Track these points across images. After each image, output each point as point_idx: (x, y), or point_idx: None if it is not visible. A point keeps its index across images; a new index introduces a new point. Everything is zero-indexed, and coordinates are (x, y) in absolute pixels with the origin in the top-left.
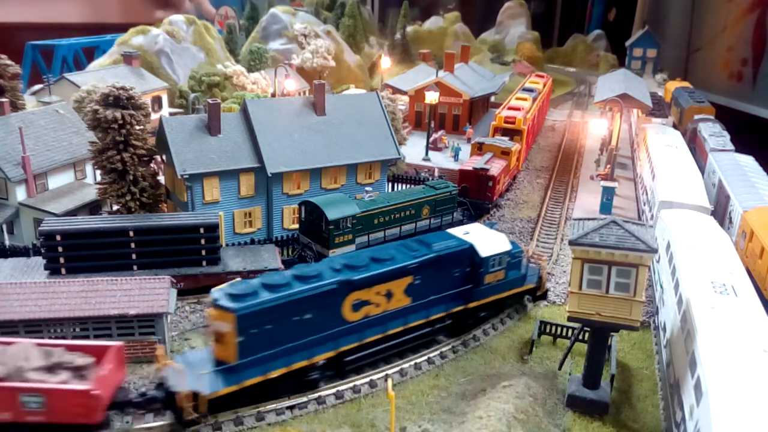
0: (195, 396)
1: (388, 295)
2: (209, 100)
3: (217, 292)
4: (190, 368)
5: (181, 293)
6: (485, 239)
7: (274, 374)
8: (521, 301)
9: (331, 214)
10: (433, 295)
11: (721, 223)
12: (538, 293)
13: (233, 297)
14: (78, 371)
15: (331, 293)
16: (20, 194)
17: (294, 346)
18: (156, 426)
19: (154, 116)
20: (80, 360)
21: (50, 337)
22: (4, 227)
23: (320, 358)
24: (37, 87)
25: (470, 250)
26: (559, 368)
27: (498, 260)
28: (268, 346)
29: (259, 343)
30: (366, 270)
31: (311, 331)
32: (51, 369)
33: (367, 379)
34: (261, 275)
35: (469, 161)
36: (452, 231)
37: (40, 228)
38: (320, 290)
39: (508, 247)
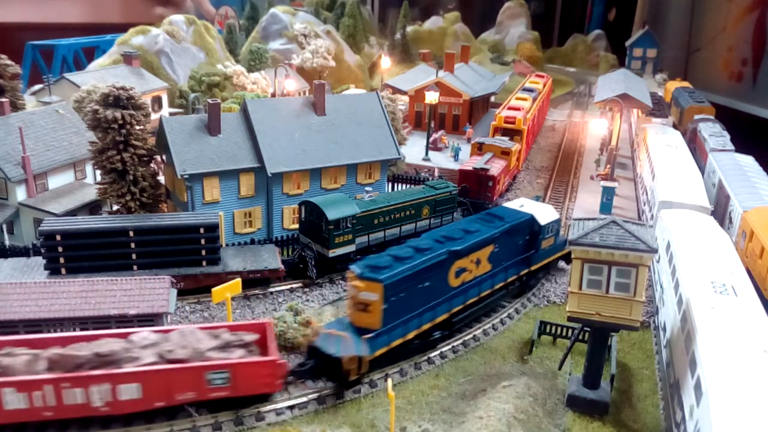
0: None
1: (477, 263)
2: (209, 100)
3: (357, 267)
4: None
5: (181, 293)
6: (539, 210)
7: (411, 336)
8: (556, 265)
9: (331, 214)
10: (507, 261)
11: (721, 223)
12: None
13: (375, 269)
14: (247, 347)
15: (442, 262)
16: (20, 194)
17: (421, 310)
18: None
19: (154, 116)
20: (248, 337)
21: None
22: (4, 227)
23: (440, 320)
24: (37, 87)
25: (532, 220)
26: (559, 368)
27: (550, 228)
28: (403, 311)
29: (397, 309)
30: (464, 241)
31: (431, 296)
32: (224, 347)
33: (367, 379)
34: (387, 249)
35: (469, 161)
36: (508, 205)
37: (40, 228)
38: (436, 260)
39: (557, 215)
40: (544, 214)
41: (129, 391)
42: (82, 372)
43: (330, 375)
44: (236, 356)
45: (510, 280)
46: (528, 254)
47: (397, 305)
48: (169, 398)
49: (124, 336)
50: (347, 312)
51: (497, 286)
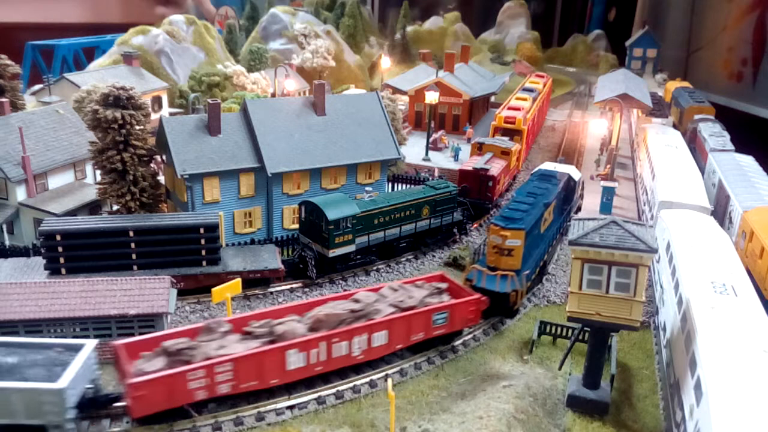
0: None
1: (550, 213)
2: (209, 100)
3: (498, 221)
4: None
5: (181, 293)
6: (569, 170)
7: (535, 273)
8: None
9: (331, 214)
10: (559, 212)
11: (721, 223)
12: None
13: (514, 221)
14: (443, 293)
15: (542, 213)
16: (20, 194)
17: (536, 251)
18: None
19: (154, 116)
20: (442, 285)
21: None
22: (4, 227)
23: (544, 260)
24: (37, 87)
25: (569, 177)
26: (559, 368)
27: (582, 184)
28: (528, 254)
29: (527, 251)
30: (549, 195)
31: (537, 241)
32: (433, 295)
33: (367, 379)
34: (507, 203)
35: (469, 161)
36: (542, 167)
37: (40, 228)
38: (542, 211)
39: (581, 174)
40: (574, 172)
41: (380, 338)
42: (348, 326)
43: (495, 310)
44: (446, 300)
45: (562, 229)
46: (566, 206)
47: (527, 248)
48: (406, 340)
49: (348, 296)
50: (488, 258)
51: (558, 235)
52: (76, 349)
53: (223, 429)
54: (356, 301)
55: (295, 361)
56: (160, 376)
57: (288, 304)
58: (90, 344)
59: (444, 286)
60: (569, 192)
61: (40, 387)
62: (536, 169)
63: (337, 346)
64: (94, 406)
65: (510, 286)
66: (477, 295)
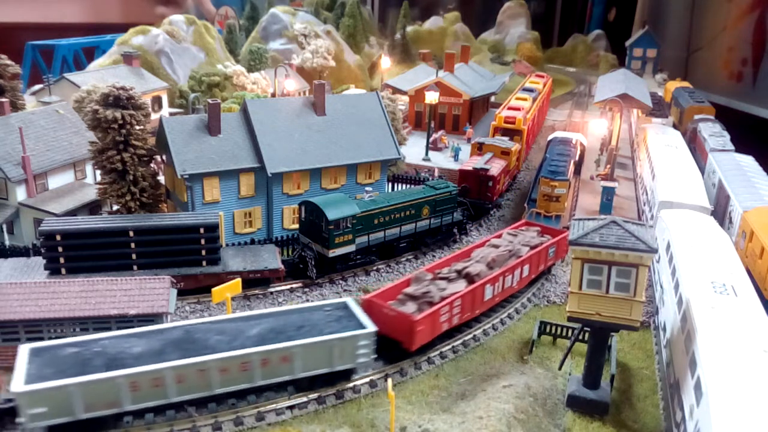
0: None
1: (574, 167)
2: (209, 100)
3: (547, 174)
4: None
5: (181, 293)
6: (578, 136)
7: None
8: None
9: (331, 214)
10: (578, 169)
11: (721, 223)
12: None
13: (558, 173)
14: (540, 234)
15: (571, 167)
16: (20, 194)
17: None
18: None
19: (154, 116)
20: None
21: (50, 338)
22: (4, 227)
23: None
24: (37, 87)
25: (579, 141)
26: (559, 368)
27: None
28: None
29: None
30: (572, 155)
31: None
32: (537, 235)
33: (367, 379)
34: (546, 162)
35: (469, 161)
36: (557, 134)
37: (40, 228)
38: (570, 167)
39: (586, 140)
40: (582, 138)
41: (525, 271)
42: (512, 263)
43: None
44: (545, 239)
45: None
46: (581, 161)
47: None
48: (537, 270)
49: (485, 243)
50: (539, 204)
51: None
52: (343, 306)
53: (223, 429)
54: (495, 246)
55: (488, 293)
56: (429, 312)
57: (455, 252)
58: (350, 300)
59: (539, 229)
60: (582, 152)
61: (358, 333)
62: (552, 136)
63: (507, 279)
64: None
65: (559, 223)
66: (567, 232)
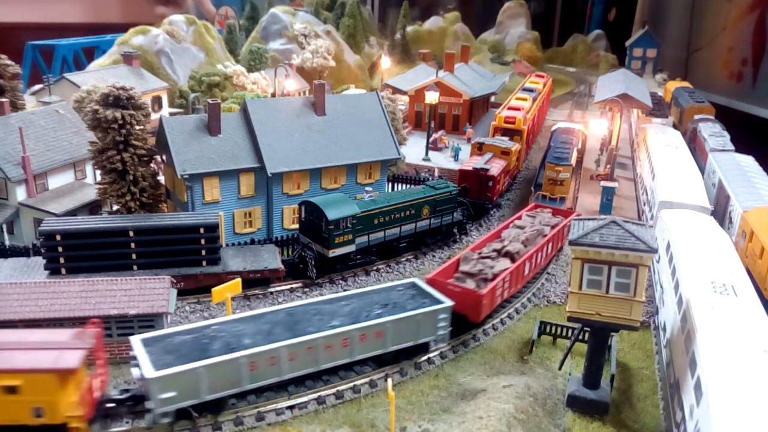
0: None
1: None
2: (209, 100)
3: (553, 160)
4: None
5: (181, 293)
6: (580, 126)
7: None
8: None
9: (331, 214)
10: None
11: (721, 223)
12: None
13: (563, 159)
14: (553, 215)
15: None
16: (20, 194)
17: None
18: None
19: (154, 116)
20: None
21: None
22: (4, 227)
23: None
24: (37, 87)
25: (581, 131)
26: (559, 368)
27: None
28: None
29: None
30: (576, 143)
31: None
32: (553, 216)
33: (367, 379)
34: (551, 150)
35: (469, 161)
36: (560, 124)
37: (40, 228)
38: (574, 153)
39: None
40: (584, 129)
41: (550, 248)
42: (545, 239)
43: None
44: (560, 219)
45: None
46: (584, 149)
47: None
48: (557, 248)
49: (509, 224)
50: (545, 188)
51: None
52: (411, 285)
53: (223, 429)
54: (520, 227)
55: (526, 270)
56: (491, 287)
57: (489, 233)
58: (417, 280)
59: (551, 211)
60: (584, 141)
61: (439, 307)
62: (556, 126)
63: (539, 256)
64: None
65: (564, 204)
66: (577, 212)
